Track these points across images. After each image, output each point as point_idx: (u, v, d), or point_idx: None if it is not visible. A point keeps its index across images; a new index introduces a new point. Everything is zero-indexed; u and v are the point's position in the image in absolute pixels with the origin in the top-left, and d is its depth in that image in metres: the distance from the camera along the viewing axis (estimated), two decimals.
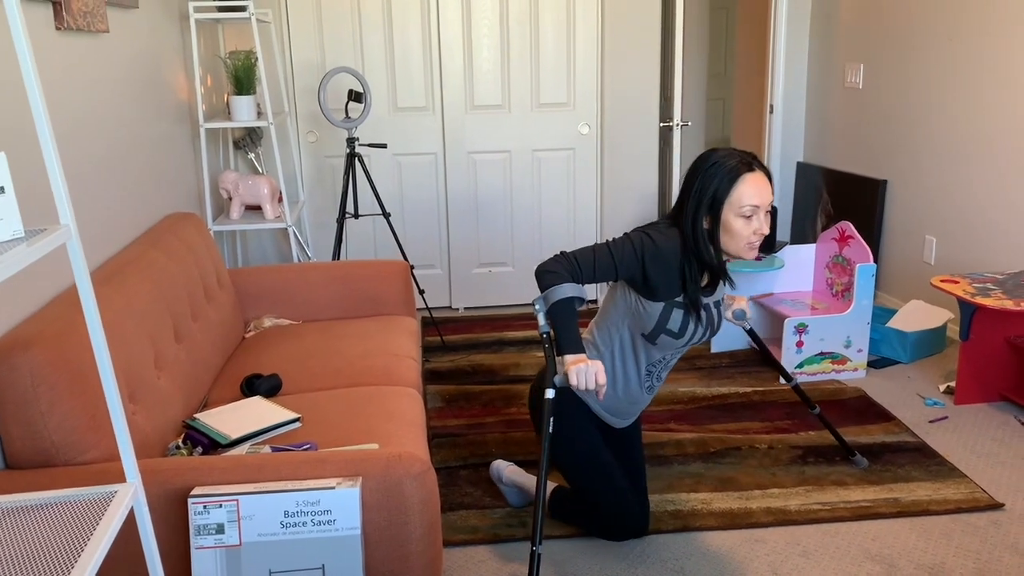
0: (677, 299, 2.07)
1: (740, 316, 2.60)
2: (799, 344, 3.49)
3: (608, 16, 4.40)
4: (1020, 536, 2.43)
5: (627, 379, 2.23)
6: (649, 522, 2.42)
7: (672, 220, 2.11)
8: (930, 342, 3.77)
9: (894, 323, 3.85)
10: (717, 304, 2.20)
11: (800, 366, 3.52)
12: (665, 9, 4.47)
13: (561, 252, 2.04)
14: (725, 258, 2.10)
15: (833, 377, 3.55)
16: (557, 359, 1.97)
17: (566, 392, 2.23)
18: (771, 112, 5.12)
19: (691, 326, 2.10)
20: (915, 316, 3.87)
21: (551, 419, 1.99)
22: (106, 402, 1.55)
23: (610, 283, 2.21)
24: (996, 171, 3.65)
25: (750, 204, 1.99)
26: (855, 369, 3.56)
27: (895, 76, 4.30)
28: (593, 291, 4.81)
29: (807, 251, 3.88)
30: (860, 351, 3.54)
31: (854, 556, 2.35)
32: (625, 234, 2.06)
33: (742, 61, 6.31)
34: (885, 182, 4.42)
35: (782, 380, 3.53)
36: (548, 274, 1.99)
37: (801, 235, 5.19)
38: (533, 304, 2.00)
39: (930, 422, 3.16)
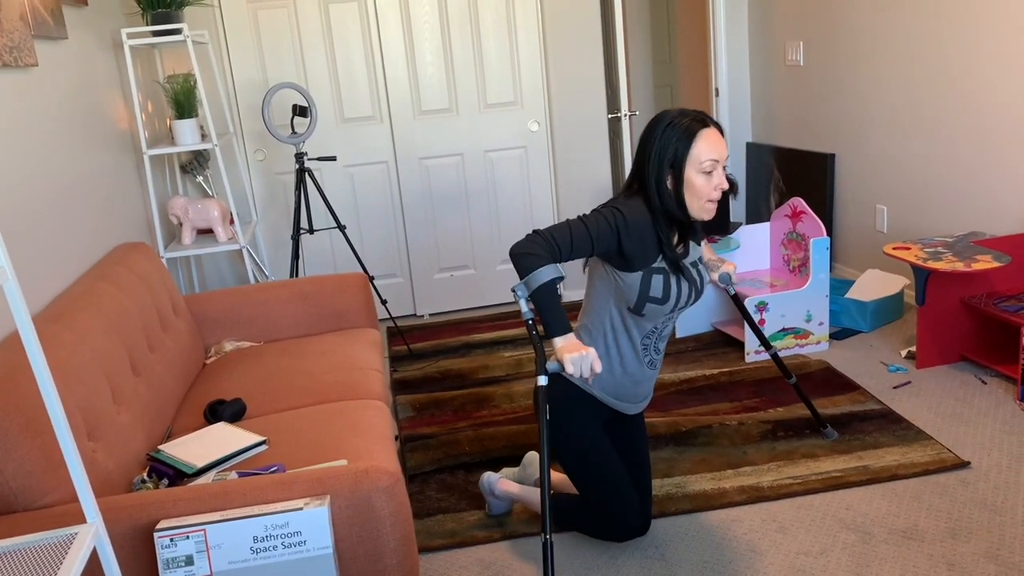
0: (654, 265, 2.06)
1: (726, 280, 2.60)
2: (761, 322, 3.53)
3: (548, 11, 4.41)
4: (988, 492, 2.47)
5: (624, 357, 2.18)
6: (650, 522, 2.38)
7: (630, 191, 2.10)
8: (889, 309, 3.83)
9: (852, 293, 3.90)
10: (697, 263, 2.19)
11: None
12: (604, 0, 4.49)
13: (535, 231, 2.00)
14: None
15: (797, 352, 3.60)
16: (546, 344, 1.95)
17: (570, 386, 2.18)
18: (717, 95, 5.16)
19: (674, 289, 2.08)
20: (872, 285, 3.93)
21: (547, 406, 1.94)
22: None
23: (587, 270, 2.19)
24: (938, 136, 3.72)
25: (710, 159, 2.00)
26: (818, 342, 3.61)
27: (833, 51, 4.36)
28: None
29: (762, 230, 3.93)
30: (821, 324, 3.59)
31: (829, 527, 2.38)
32: (595, 209, 2.05)
33: (684, 47, 6.37)
34: (833, 156, 4.48)
35: (748, 355, 3.57)
36: (526, 256, 1.94)
37: (755, 214, 5.24)
38: (513, 291, 1.95)
39: (894, 388, 3.21)
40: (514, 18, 4.38)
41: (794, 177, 4.80)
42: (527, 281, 1.93)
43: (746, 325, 3.53)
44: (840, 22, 4.26)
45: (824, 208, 4.53)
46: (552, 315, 1.92)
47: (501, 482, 2.52)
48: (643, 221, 2.03)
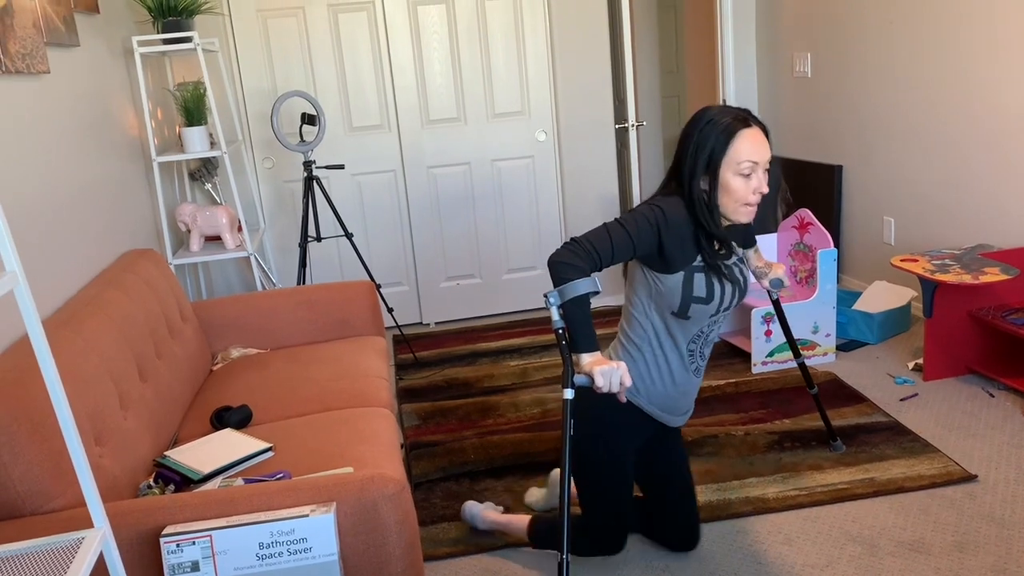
0: (694, 264, 1.99)
1: (777, 285, 2.53)
2: (768, 333, 3.52)
3: (556, 22, 4.43)
4: (995, 506, 2.46)
5: (672, 366, 2.11)
6: (696, 542, 2.33)
7: (667, 190, 2.04)
8: (896, 321, 3.82)
9: (859, 305, 3.90)
10: (740, 262, 2.12)
11: (771, 355, 3.55)
12: (612, 11, 4.51)
13: (573, 239, 1.92)
14: (726, 223, 2.03)
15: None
16: (573, 357, 1.88)
17: (611, 396, 2.10)
18: None
19: (717, 288, 2.01)
20: (879, 297, 3.92)
21: (571, 421, 1.88)
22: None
23: (626, 277, 2.13)
24: (946, 149, 3.71)
25: (748, 160, 1.90)
26: (825, 354, 3.60)
27: (841, 63, 4.36)
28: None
29: (769, 240, 3.92)
30: (828, 335, 3.58)
31: (835, 539, 2.37)
32: (632, 210, 1.97)
33: (692, 58, 6.38)
34: (840, 167, 4.48)
35: (755, 366, 3.56)
36: (563, 266, 1.87)
37: (762, 225, 5.24)
38: (546, 297, 1.88)
39: (901, 400, 3.20)
40: (522, 28, 4.40)
41: (801, 188, 4.80)
42: (561, 290, 1.86)
43: (752, 336, 3.53)
44: (848, 34, 4.27)
45: (831, 220, 4.52)
46: (582, 330, 1.86)
47: (485, 512, 2.52)
48: (682, 219, 1.95)
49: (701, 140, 1.94)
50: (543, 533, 2.35)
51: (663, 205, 1.95)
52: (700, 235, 1.98)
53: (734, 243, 2.11)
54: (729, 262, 2.08)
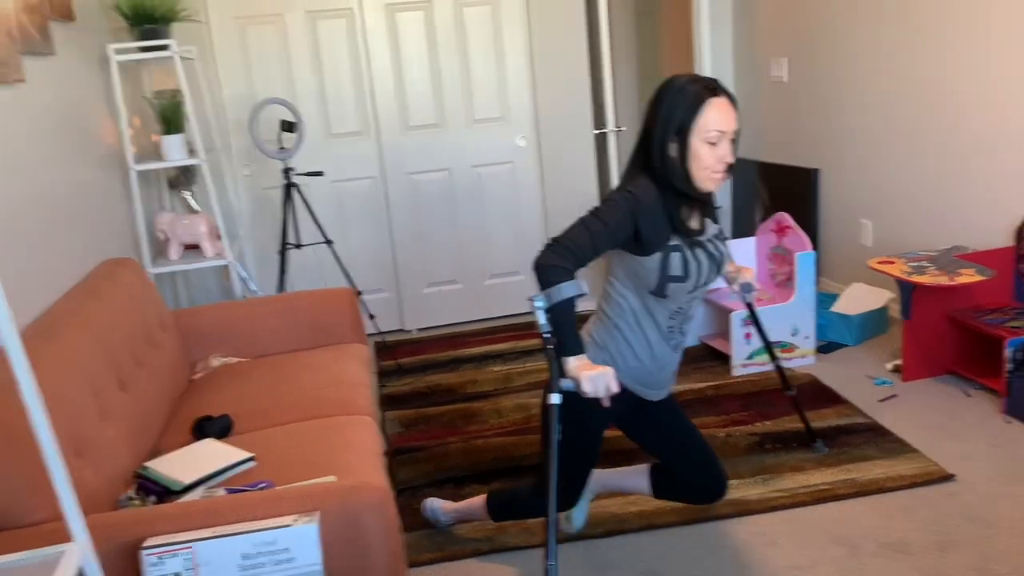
0: (670, 243, 2.00)
1: (748, 289, 2.55)
2: (747, 336, 3.55)
3: (535, 28, 4.44)
4: (973, 504, 2.49)
5: (651, 342, 2.12)
6: (726, 488, 2.25)
7: (635, 167, 2.04)
8: (874, 323, 3.86)
9: (838, 307, 3.93)
10: (715, 238, 2.13)
11: (750, 357, 3.57)
12: (590, 17, 4.53)
13: (554, 239, 1.92)
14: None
15: (783, 366, 3.61)
16: (561, 361, 1.88)
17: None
18: None
19: (693, 266, 2.02)
20: (858, 299, 3.96)
21: (560, 426, 1.89)
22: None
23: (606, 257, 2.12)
24: (921, 152, 3.76)
25: (716, 129, 1.92)
26: (804, 356, 3.63)
27: (817, 67, 4.41)
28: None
29: (747, 244, 3.95)
30: (807, 338, 3.61)
31: (818, 540, 2.39)
32: (604, 200, 1.98)
33: (670, 63, 6.42)
34: (817, 171, 4.52)
35: (735, 368, 3.58)
36: (549, 268, 1.87)
37: (741, 229, 5.28)
38: (532, 300, 1.88)
39: (880, 401, 3.23)
40: (501, 34, 4.40)
41: (779, 192, 4.84)
42: (548, 294, 1.86)
43: (732, 338, 3.55)
44: (824, 39, 4.31)
45: (809, 223, 4.56)
46: (568, 333, 1.88)
47: (446, 505, 2.56)
48: (655, 200, 1.97)
49: (671, 107, 1.95)
50: (500, 506, 2.37)
51: (634, 190, 1.96)
52: (674, 213, 1.99)
53: (708, 219, 2.11)
54: (703, 238, 2.08)
